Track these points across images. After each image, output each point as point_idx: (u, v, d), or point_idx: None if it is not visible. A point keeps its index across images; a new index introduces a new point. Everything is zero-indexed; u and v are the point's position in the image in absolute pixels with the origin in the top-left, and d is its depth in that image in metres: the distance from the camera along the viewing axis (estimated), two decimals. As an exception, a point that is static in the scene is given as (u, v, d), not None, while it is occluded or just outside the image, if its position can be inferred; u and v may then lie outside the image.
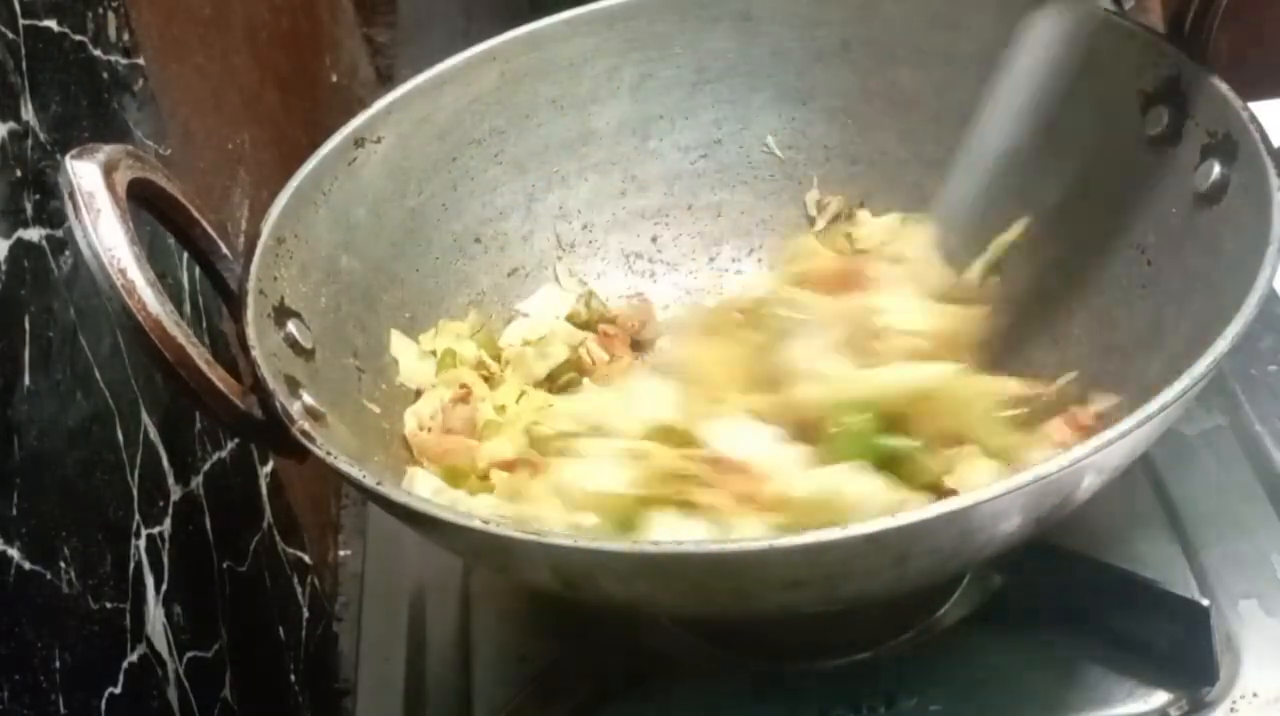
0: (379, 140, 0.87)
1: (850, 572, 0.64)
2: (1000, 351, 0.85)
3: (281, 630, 0.95)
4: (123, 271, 0.65)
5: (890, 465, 0.74)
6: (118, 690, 0.68)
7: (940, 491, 0.73)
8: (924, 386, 0.76)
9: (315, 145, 0.85)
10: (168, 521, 0.78)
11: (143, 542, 0.74)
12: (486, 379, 0.88)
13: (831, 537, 0.60)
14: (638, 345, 0.93)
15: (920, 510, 0.60)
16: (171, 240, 0.80)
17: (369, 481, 0.67)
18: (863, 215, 0.94)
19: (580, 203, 0.95)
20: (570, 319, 0.93)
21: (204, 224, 0.76)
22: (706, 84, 0.95)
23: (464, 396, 0.86)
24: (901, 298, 0.82)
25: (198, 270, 0.80)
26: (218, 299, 0.80)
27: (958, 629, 0.79)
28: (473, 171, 0.92)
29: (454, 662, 0.84)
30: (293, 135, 1.23)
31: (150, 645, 0.72)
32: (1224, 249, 0.74)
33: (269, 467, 0.97)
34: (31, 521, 0.62)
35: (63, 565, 0.65)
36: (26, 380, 0.64)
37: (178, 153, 0.89)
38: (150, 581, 0.74)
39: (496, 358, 0.90)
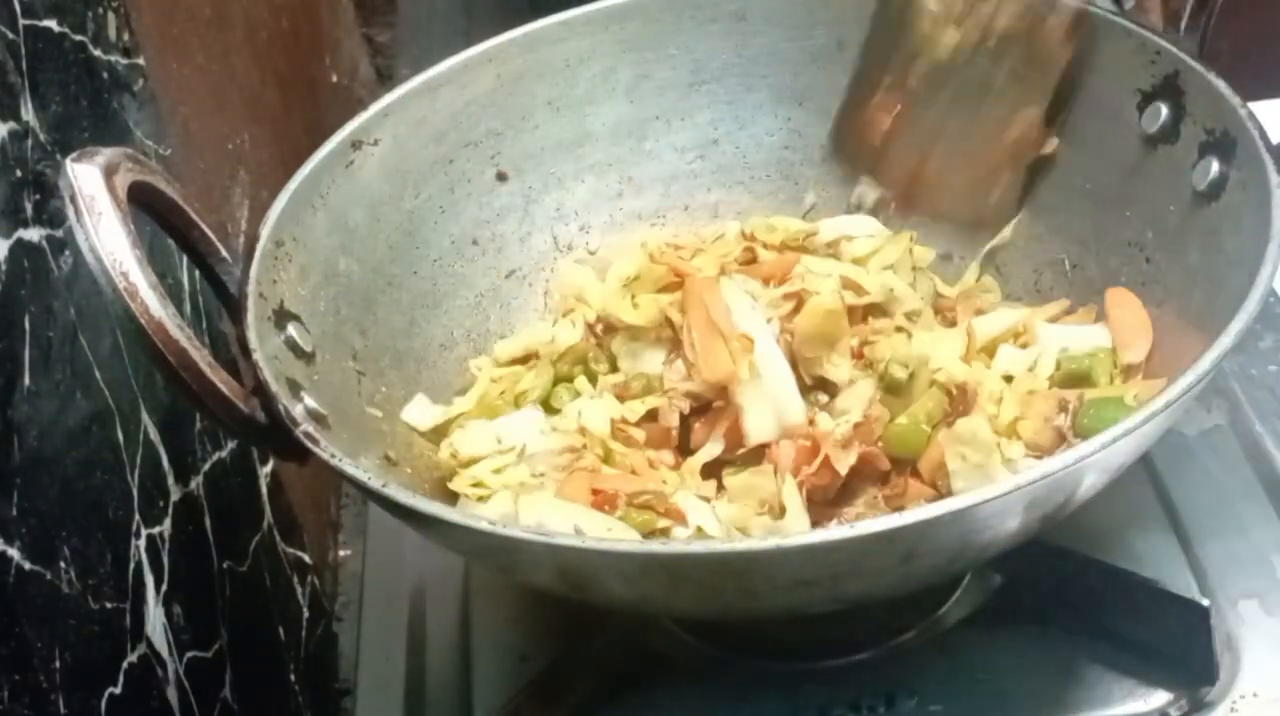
0: (376, 143, 0.87)
1: (857, 572, 0.64)
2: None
3: (281, 630, 0.95)
4: (125, 274, 0.65)
5: None
6: (118, 690, 0.68)
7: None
8: None
9: (315, 145, 0.85)
10: (168, 521, 0.78)
11: (143, 542, 0.74)
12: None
13: (839, 537, 0.60)
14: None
15: (925, 508, 0.60)
16: (171, 240, 0.80)
17: (374, 483, 0.67)
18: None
19: (577, 204, 0.95)
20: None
21: (203, 227, 0.76)
22: (702, 85, 0.95)
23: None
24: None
25: (198, 271, 0.80)
26: (218, 299, 0.80)
27: (958, 629, 0.79)
28: (470, 173, 0.92)
29: (454, 662, 0.84)
30: (293, 135, 1.23)
31: (150, 645, 0.72)
32: (1223, 246, 0.74)
33: (269, 468, 0.97)
34: (31, 521, 0.62)
35: (63, 565, 0.65)
36: (26, 380, 0.64)
37: (178, 153, 0.89)
38: (150, 581, 0.74)
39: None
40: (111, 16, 0.81)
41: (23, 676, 0.60)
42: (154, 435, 0.78)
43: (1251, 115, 0.74)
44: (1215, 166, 0.76)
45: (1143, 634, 0.76)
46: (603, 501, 0.76)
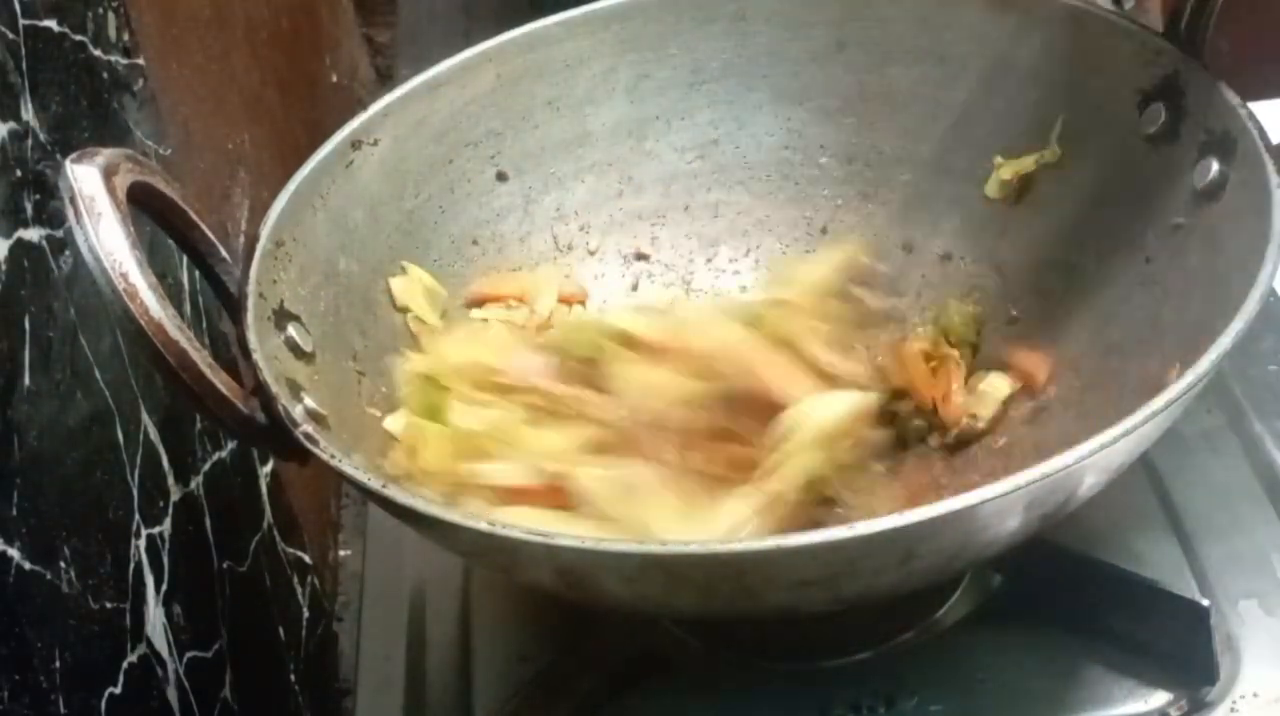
0: (375, 143, 0.87)
1: (857, 571, 0.64)
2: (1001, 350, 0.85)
3: (281, 630, 0.95)
4: (124, 275, 0.65)
5: None
6: (118, 690, 0.68)
7: None
8: None
9: (315, 145, 0.85)
10: (168, 521, 0.78)
11: (143, 542, 0.74)
12: None
13: (839, 537, 0.60)
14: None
15: (926, 508, 0.60)
16: (171, 240, 0.80)
17: (374, 484, 0.67)
18: None
19: (577, 204, 0.95)
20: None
21: (203, 227, 0.76)
22: (702, 84, 0.95)
23: None
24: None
25: (198, 271, 0.81)
26: (218, 299, 0.80)
27: (958, 629, 0.79)
28: (469, 173, 0.92)
29: (454, 662, 0.84)
30: (293, 135, 1.23)
31: (150, 645, 0.72)
32: (1223, 246, 0.74)
33: (269, 468, 0.97)
34: (31, 521, 0.62)
35: (63, 565, 0.65)
36: (26, 380, 0.64)
37: (178, 153, 0.89)
38: (150, 581, 0.74)
39: None
40: (111, 16, 0.82)
41: (23, 676, 0.60)
42: (154, 435, 0.78)
43: (1251, 115, 0.74)
44: (1215, 166, 0.76)
45: (1143, 634, 0.76)
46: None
